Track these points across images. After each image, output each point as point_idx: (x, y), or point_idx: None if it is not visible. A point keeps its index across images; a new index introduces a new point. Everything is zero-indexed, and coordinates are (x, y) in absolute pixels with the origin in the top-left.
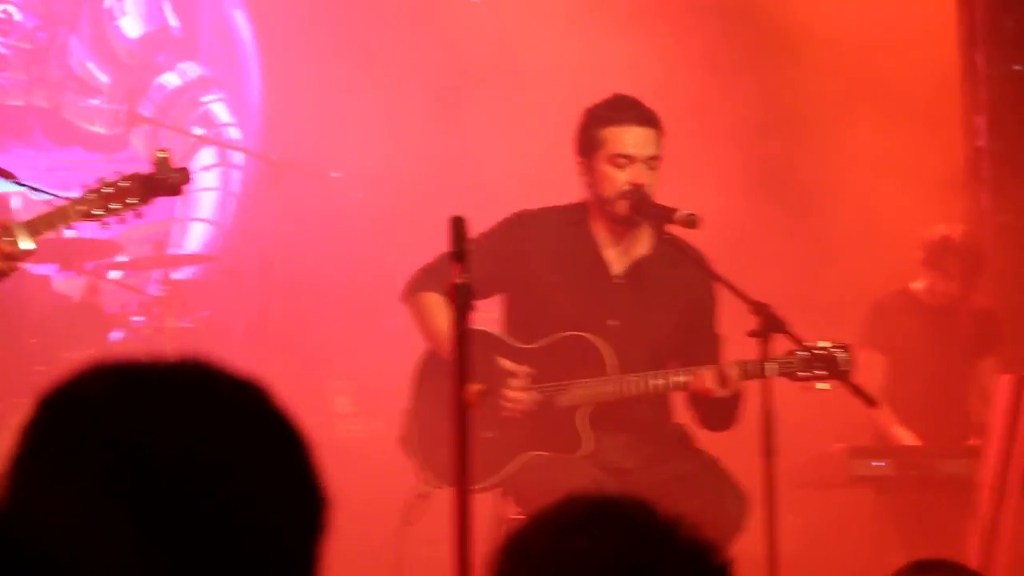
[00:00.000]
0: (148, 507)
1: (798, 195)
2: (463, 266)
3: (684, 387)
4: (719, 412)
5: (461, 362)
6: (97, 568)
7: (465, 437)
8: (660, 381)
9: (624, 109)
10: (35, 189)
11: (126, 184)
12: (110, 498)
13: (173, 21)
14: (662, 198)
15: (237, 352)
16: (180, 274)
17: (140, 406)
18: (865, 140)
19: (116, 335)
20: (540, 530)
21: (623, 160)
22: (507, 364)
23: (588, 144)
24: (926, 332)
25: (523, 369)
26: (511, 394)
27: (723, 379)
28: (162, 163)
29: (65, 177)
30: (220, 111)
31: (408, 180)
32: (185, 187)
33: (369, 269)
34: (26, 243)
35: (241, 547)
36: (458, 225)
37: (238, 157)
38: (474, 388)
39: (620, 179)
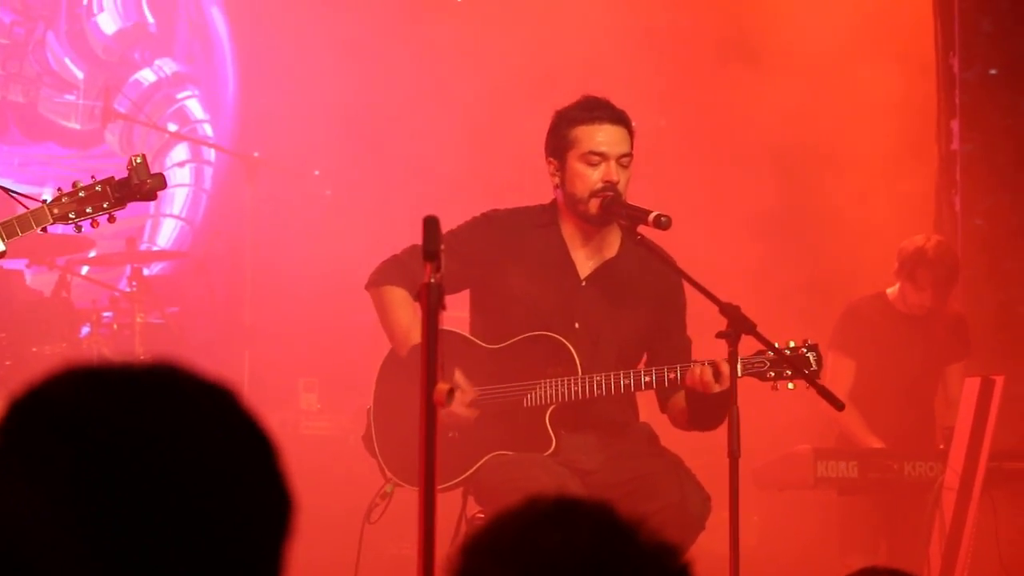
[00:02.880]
0: (114, 508)
1: (780, 204)
2: (435, 265)
3: (651, 387)
4: (711, 409)
5: (430, 362)
6: (63, 566)
7: (432, 437)
8: (628, 380)
9: (595, 108)
10: (8, 192)
11: (101, 189)
12: (78, 498)
13: (150, 18)
14: (635, 201)
15: (206, 348)
16: (151, 270)
17: (109, 408)
18: (847, 145)
19: (86, 330)
20: (508, 527)
21: (596, 158)
22: (458, 378)
23: (559, 145)
24: (898, 338)
25: (471, 387)
26: (453, 408)
27: (717, 375)
28: (138, 168)
29: (39, 172)
30: (194, 107)
31: (379, 178)
32: (160, 192)
33: (338, 266)
34: None
35: (206, 548)
36: (431, 225)
37: (211, 154)
38: (443, 388)
39: (593, 177)
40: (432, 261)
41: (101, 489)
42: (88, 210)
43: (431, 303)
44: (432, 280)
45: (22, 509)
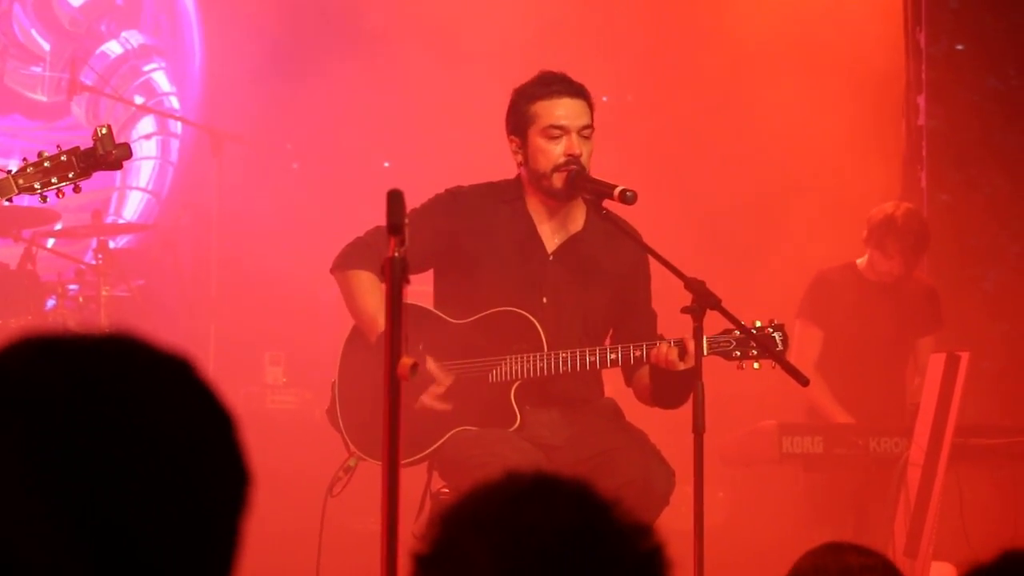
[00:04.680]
0: (65, 479)
1: (747, 175)
2: (399, 239)
3: (617, 364)
4: (676, 386)
5: (394, 336)
6: (14, 537)
7: (396, 411)
8: (594, 358)
9: (553, 83)
10: None
11: (66, 159)
12: (28, 470)
13: None
14: (600, 175)
15: (171, 321)
16: (117, 243)
17: (62, 378)
18: (817, 118)
19: (52, 303)
20: (487, 500)
21: (557, 131)
22: (432, 368)
23: (520, 121)
24: (867, 307)
25: (446, 380)
26: (426, 400)
27: (683, 352)
28: (104, 138)
29: (5, 144)
30: (161, 80)
31: (348, 153)
32: (125, 162)
33: (305, 241)
34: None
35: (160, 520)
36: (395, 198)
37: (177, 127)
38: (406, 362)
39: (555, 151)
40: (396, 235)
41: (53, 460)
42: (53, 180)
43: (395, 277)
44: (396, 254)
45: None
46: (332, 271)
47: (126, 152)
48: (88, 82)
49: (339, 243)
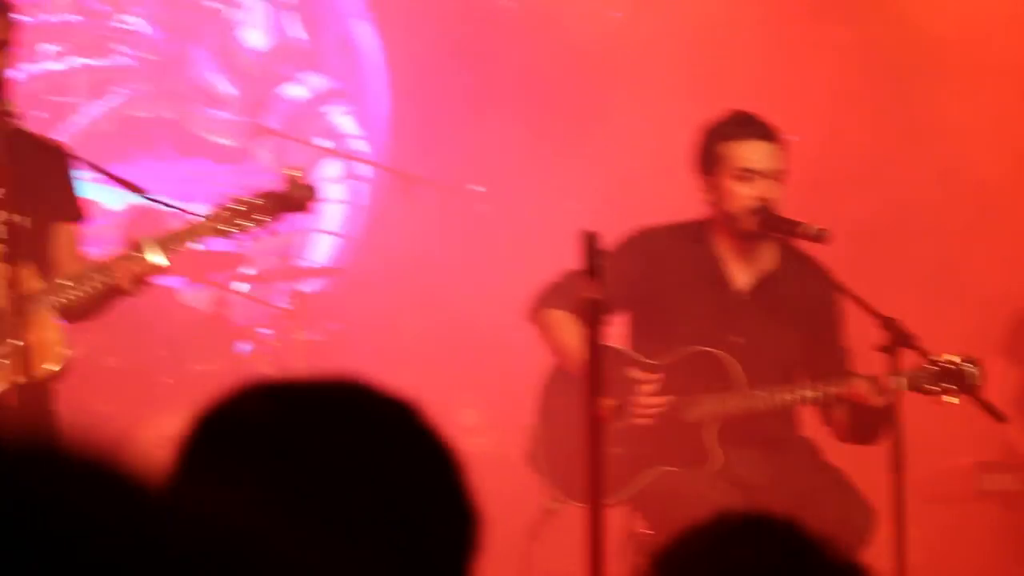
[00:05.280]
0: (302, 523)
1: (932, 206)
2: (595, 281)
3: (814, 402)
4: (873, 423)
5: (594, 377)
6: None
7: (598, 453)
8: (789, 396)
9: (745, 124)
10: (165, 204)
11: (257, 201)
12: (267, 514)
13: (297, 33)
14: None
15: (365, 365)
16: (307, 287)
17: (297, 424)
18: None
19: (244, 347)
20: (698, 542)
21: (748, 174)
22: (637, 373)
23: (710, 161)
24: None
25: (653, 377)
26: (643, 400)
27: (880, 388)
28: (292, 180)
29: (192, 188)
30: (346, 123)
31: (537, 194)
32: (313, 205)
33: (497, 282)
34: (158, 259)
35: (388, 561)
36: (591, 240)
37: (365, 170)
38: (607, 403)
39: (746, 194)
40: (592, 277)
41: (289, 504)
42: (246, 223)
43: (593, 318)
44: (593, 296)
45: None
46: (528, 317)
47: (314, 194)
48: (273, 126)
49: (531, 285)
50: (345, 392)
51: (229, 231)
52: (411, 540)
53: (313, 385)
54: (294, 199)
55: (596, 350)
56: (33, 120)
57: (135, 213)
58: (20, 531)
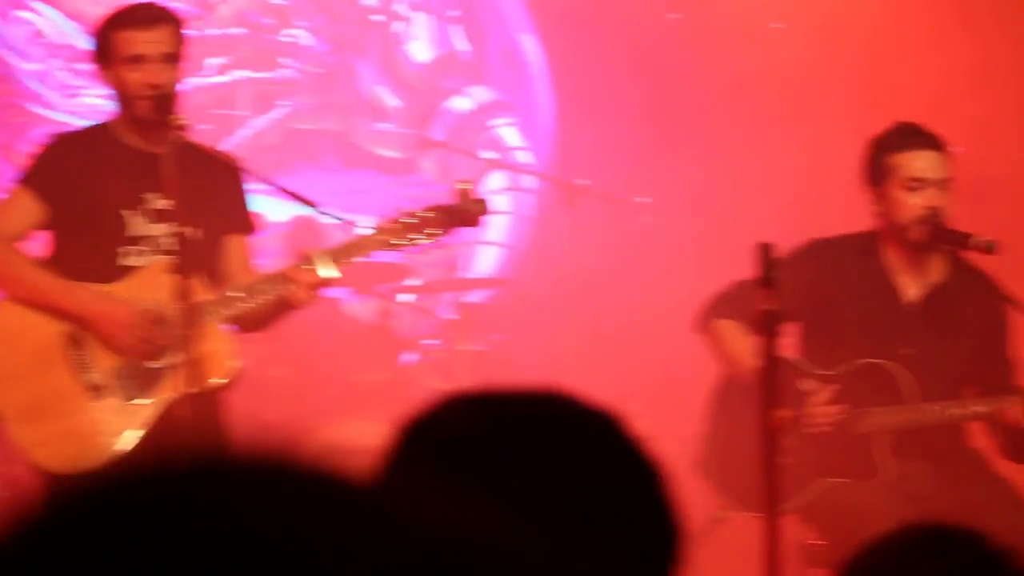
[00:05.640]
0: (523, 532)
1: None
2: (771, 291)
3: (986, 417)
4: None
5: (769, 387)
6: None
7: (773, 463)
8: (958, 411)
9: (912, 135)
10: (336, 217)
11: (429, 215)
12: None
13: (461, 45)
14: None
15: (529, 376)
16: (472, 298)
17: (507, 436)
18: None
19: (409, 358)
20: (884, 554)
21: (917, 184)
22: (811, 384)
23: (878, 172)
24: None
25: (827, 387)
26: (818, 410)
27: None
28: (463, 194)
29: (357, 200)
30: (510, 135)
31: (701, 205)
32: (483, 218)
33: (661, 293)
34: (330, 271)
35: (592, 572)
36: (765, 251)
37: (529, 181)
38: (782, 413)
39: (915, 204)
40: (767, 287)
41: (502, 515)
42: (416, 236)
43: (769, 328)
44: (769, 306)
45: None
46: (696, 328)
47: (485, 208)
48: (437, 138)
49: (695, 296)
50: (549, 403)
51: (401, 244)
52: (619, 552)
53: (515, 396)
54: (465, 213)
55: (771, 360)
56: (199, 133)
57: (299, 225)
58: (282, 554)
